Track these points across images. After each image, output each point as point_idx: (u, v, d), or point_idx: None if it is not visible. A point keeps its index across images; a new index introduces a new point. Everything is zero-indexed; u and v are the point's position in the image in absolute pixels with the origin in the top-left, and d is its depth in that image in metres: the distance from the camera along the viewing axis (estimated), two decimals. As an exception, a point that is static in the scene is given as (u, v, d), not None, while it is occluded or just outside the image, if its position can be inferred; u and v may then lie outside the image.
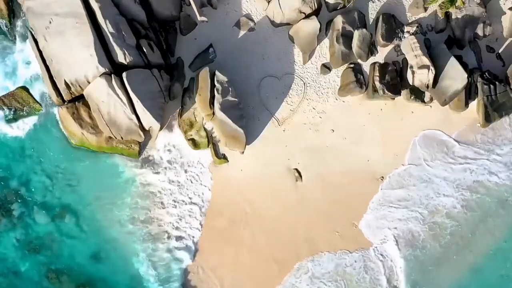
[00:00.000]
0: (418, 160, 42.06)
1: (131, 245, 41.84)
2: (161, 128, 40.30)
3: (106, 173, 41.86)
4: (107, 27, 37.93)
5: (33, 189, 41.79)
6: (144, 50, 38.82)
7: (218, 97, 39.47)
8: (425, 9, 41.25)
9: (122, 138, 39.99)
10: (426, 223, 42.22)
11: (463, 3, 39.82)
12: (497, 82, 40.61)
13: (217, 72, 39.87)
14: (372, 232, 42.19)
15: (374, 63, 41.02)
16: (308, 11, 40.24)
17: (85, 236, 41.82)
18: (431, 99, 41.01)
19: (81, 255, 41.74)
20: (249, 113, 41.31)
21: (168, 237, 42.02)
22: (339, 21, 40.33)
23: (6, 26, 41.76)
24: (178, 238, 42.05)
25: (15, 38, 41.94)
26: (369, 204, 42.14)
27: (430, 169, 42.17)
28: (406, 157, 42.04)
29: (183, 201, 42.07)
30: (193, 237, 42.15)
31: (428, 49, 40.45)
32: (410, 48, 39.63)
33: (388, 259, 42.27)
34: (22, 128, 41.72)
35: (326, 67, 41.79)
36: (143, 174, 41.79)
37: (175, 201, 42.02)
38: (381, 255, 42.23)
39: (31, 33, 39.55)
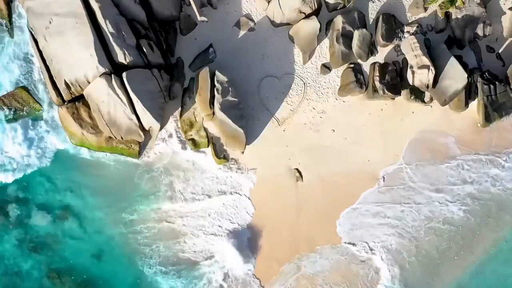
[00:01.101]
0: (413, 161, 41.93)
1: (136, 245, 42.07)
2: (161, 128, 40.32)
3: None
4: (107, 27, 37.92)
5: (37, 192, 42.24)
6: (144, 50, 38.78)
7: (218, 97, 39.46)
8: (425, 9, 41.25)
9: (122, 138, 39.96)
10: (422, 227, 42.10)
11: (463, 3, 39.83)
12: (497, 82, 40.59)
13: (217, 72, 39.86)
14: (358, 234, 42.10)
15: (374, 63, 41.01)
16: (308, 11, 40.24)
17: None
18: (431, 99, 40.99)
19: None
20: (249, 113, 41.29)
21: (176, 238, 42.06)
22: (339, 21, 40.33)
23: (6, 26, 41.79)
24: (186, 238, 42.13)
25: (15, 38, 41.88)
26: (363, 205, 42.08)
27: (426, 170, 42.03)
28: (401, 158, 41.94)
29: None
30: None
31: (428, 49, 40.42)
32: (410, 48, 39.62)
33: (387, 262, 42.32)
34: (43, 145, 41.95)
35: (326, 67, 41.79)
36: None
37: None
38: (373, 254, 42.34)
39: (31, 33, 39.52)
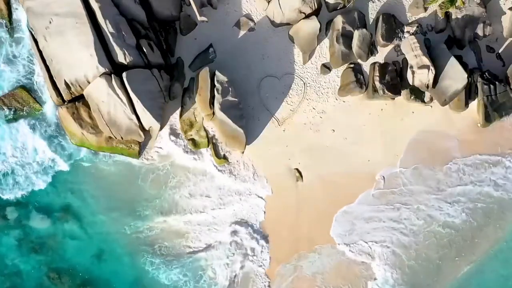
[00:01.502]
0: (413, 162, 41.86)
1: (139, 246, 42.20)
2: (161, 128, 40.32)
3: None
4: (107, 27, 37.92)
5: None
6: (144, 50, 38.78)
7: (218, 97, 39.47)
8: (425, 9, 41.25)
9: (122, 138, 39.97)
10: (421, 231, 42.07)
11: (463, 3, 39.83)
12: (497, 82, 40.60)
13: (217, 72, 39.87)
14: (355, 235, 42.07)
15: (374, 63, 41.01)
16: (308, 11, 40.24)
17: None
18: (431, 99, 40.99)
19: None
20: (249, 113, 41.29)
21: (180, 237, 42.15)
22: (339, 21, 40.33)
23: (6, 26, 41.78)
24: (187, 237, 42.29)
25: (15, 38, 41.89)
26: (361, 206, 42.07)
27: (425, 172, 41.94)
28: (399, 159, 41.88)
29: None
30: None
31: (428, 49, 40.43)
32: (410, 48, 39.62)
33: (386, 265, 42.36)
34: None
35: (326, 67, 41.79)
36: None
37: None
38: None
39: (31, 33, 39.53)
